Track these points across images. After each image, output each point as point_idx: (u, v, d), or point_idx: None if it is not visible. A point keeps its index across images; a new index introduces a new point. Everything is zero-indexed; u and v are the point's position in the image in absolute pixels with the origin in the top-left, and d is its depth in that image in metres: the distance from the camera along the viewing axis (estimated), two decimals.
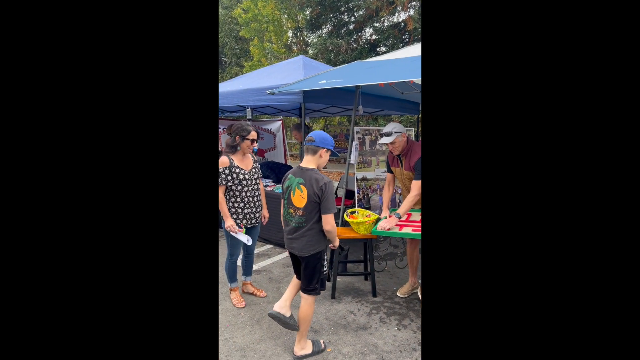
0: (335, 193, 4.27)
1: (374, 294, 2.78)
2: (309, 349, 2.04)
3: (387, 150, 2.74)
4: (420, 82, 3.50)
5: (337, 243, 2.00)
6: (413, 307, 2.63)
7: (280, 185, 2.21)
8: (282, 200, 2.01)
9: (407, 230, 2.33)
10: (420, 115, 4.91)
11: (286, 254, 3.68)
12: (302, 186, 1.86)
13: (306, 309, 1.97)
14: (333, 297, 2.74)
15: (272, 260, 3.54)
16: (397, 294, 2.81)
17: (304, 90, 3.08)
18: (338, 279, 3.00)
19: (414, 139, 2.86)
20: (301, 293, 2.00)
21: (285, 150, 6.16)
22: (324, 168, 2.08)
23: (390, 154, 2.67)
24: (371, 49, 10.23)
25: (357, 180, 3.32)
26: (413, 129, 5.03)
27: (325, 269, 2.00)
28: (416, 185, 2.41)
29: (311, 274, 1.94)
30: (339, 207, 3.27)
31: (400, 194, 2.76)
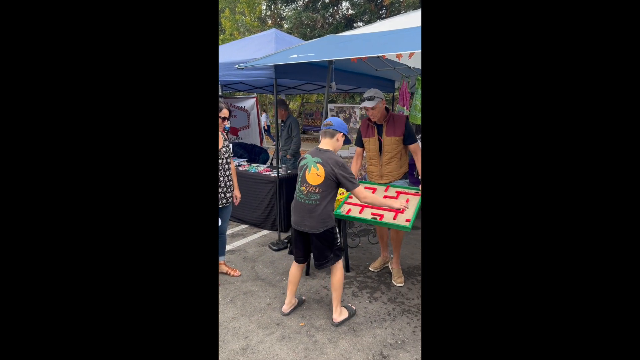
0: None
1: (347, 269, 2.85)
2: (345, 314, 2.20)
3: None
4: (393, 58, 3.46)
5: (392, 203, 2.10)
6: (384, 280, 2.72)
7: (255, 166, 2.27)
8: (297, 178, 2.09)
9: (366, 214, 2.41)
10: (397, 94, 4.91)
11: (262, 233, 3.67)
12: (319, 165, 1.95)
13: (338, 277, 2.11)
14: (307, 273, 2.78)
15: (247, 240, 3.52)
16: (370, 268, 2.89)
17: (275, 65, 2.97)
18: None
19: None
20: (315, 267, 2.15)
21: (260, 129, 6.02)
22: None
23: (363, 123, 2.66)
24: (347, 24, 9.99)
25: None
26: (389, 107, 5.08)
27: (339, 241, 2.11)
28: (418, 147, 2.55)
29: (323, 249, 2.03)
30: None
31: (367, 169, 2.77)
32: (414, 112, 4.71)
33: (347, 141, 2.13)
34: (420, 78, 4.59)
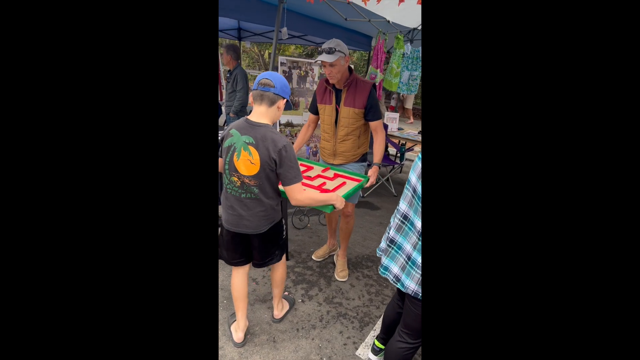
0: None
1: (287, 257, 2.47)
2: (286, 306, 1.96)
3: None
4: (362, 5, 2.83)
5: (338, 204, 1.56)
6: (325, 273, 2.37)
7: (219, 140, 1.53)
8: (223, 162, 1.43)
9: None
10: (372, 54, 4.29)
11: None
12: (251, 148, 1.34)
13: (280, 272, 1.75)
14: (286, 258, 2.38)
15: None
16: (313, 257, 2.53)
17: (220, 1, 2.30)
18: None
19: None
20: (253, 267, 1.66)
21: (220, 82, 5.27)
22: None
23: (320, 85, 2.11)
24: None
25: (279, 125, 2.78)
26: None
27: (284, 234, 1.65)
28: (380, 125, 2.04)
29: (268, 247, 1.57)
30: None
31: (318, 144, 2.26)
32: (389, 76, 4.16)
33: (288, 106, 1.50)
34: (401, 36, 3.98)
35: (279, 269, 1.74)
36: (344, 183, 1.87)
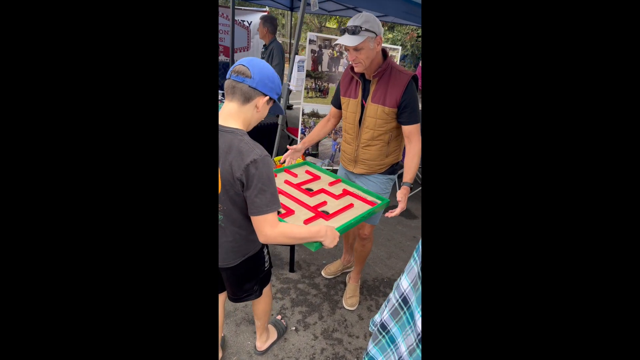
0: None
1: (291, 269, 2.17)
2: (273, 336, 1.65)
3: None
4: None
5: (327, 242, 1.13)
6: (332, 295, 2.03)
7: None
8: None
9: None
10: None
11: None
12: None
13: (263, 306, 1.45)
14: (292, 270, 2.14)
15: None
16: (322, 272, 2.19)
17: None
18: None
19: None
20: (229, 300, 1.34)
21: None
22: None
23: (346, 73, 1.67)
24: None
25: (302, 115, 2.36)
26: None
27: (267, 264, 1.30)
28: (417, 132, 1.53)
29: (243, 282, 1.24)
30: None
31: (340, 145, 1.82)
32: None
33: (277, 110, 1.12)
34: None
35: (261, 302, 1.43)
36: (350, 205, 1.44)
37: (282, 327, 1.72)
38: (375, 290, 2.12)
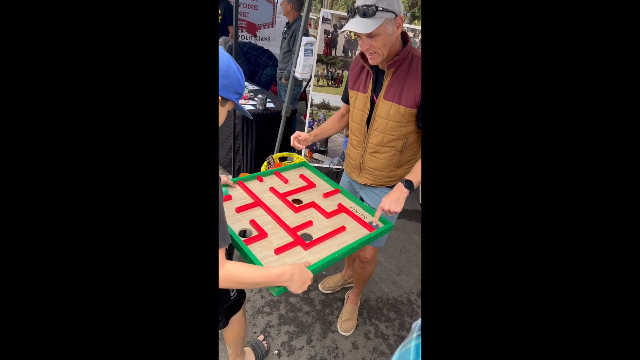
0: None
1: None
2: (251, 358, 1.48)
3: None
4: None
5: (294, 287, 0.86)
6: (327, 315, 1.80)
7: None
8: None
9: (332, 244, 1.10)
10: None
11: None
12: None
13: (235, 334, 1.27)
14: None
15: None
16: (319, 286, 1.96)
17: None
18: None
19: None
20: None
21: None
22: None
23: (355, 63, 1.37)
24: None
25: (310, 106, 2.05)
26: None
27: (233, 294, 1.14)
28: None
29: None
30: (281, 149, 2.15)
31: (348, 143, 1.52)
32: None
33: (242, 112, 0.90)
34: None
35: (230, 330, 1.22)
36: (342, 229, 1.16)
37: (262, 351, 1.52)
38: (377, 313, 1.86)
